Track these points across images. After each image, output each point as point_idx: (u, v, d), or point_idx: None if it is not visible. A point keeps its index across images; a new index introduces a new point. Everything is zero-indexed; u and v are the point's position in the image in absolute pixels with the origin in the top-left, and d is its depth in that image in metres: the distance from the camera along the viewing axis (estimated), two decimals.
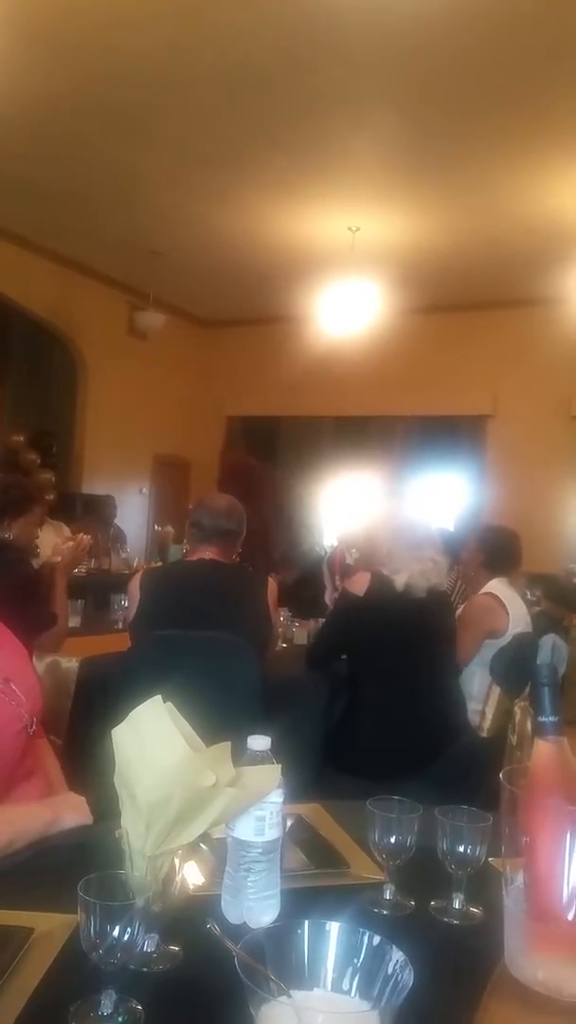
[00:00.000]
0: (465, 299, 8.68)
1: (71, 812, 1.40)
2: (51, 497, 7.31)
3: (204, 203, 6.87)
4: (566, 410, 8.60)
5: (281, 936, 0.85)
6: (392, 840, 1.21)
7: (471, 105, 5.13)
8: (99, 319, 8.92)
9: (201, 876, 1.21)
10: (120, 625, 3.84)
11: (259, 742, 1.14)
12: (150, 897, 0.97)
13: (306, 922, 0.85)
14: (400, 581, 2.81)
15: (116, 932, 0.88)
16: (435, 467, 9.27)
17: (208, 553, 2.91)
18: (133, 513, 9.11)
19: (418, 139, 5.59)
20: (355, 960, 0.83)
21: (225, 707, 1.93)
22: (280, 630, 3.63)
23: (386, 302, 7.74)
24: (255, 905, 1.10)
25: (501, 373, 8.82)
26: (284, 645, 3.72)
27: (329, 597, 3.50)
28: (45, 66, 4.98)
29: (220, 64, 4.83)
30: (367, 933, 0.84)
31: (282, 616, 3.80)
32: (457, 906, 1.19)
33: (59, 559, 3.25)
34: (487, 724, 3.16)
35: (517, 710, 3.19)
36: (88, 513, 7.31)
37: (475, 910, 1.18)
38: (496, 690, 3.19)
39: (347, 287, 7.41)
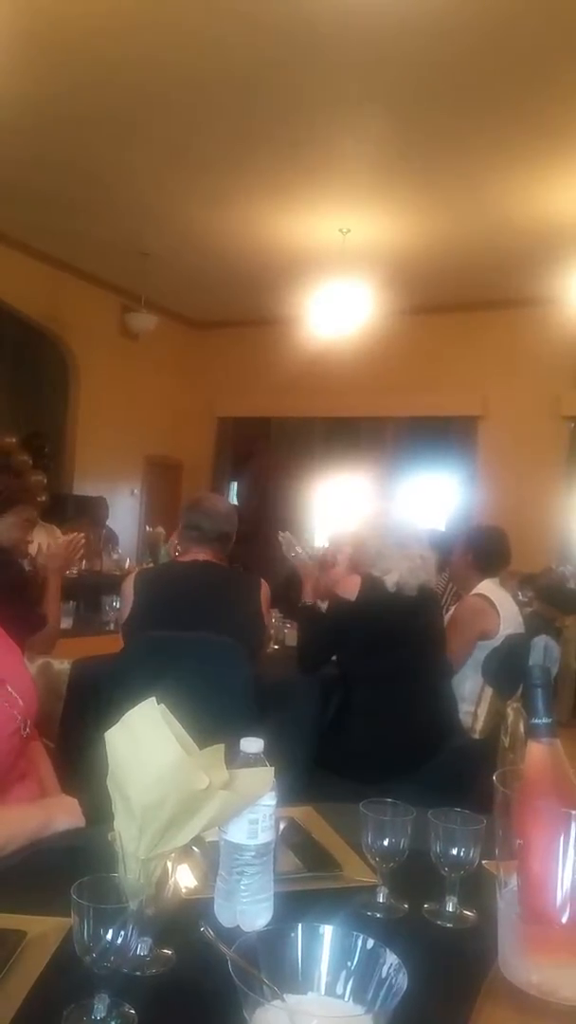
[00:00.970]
0: (455, 300, 8.70)
1: (64, 815, 1.39)
2: (43, 499, 7.30)
3: (195, 205, 6.87)
4: (556, 410, 8.62)
5: (275, 939, 0.85)
6: (385, 843, 1.21)
7: (460, 107, 5.14)
8: (90, 321, 8.90)
9: (194, 879, 1.21)
10: (112, 626, 3.83)
11: (252, 744, 1.14)
12: (143, 900, 0.97)
13: (300, 925, 0.85)
14: (391, 581, 2.81)
15: (109, 935, 0.88)
16: (426, 468, 9.28)
17: (202, 555, 2.91)
18: (124, 514, 9.09)
19: (408, 141, 5.60)
20: (349, 963, 0.83)
21: (218, 709, 1.93)
22: (272, 631, 3.63)
23: (376, 303, 7.75)
24: (248, 908, 1.09)
25: (491, 374, 8.84)
26: (276, 647, 3.71)
27: (307, 592, 3.45)
28: (36, 72, 4.97)
29: (210, 68, 4.82)
30: (361, 936, 0.84)
31: (274, 617, 3.80)
32: (450, 909, 1.19)
33: (49, 563, 3.24)
34: (479, 726, 3.16)
35: (509, 711, 3.20)
36: (80, 514, 7.29)
37: (468, 913, 1.18)
38: (488, 691, 3.19)
39: (337, 288, 7.42)
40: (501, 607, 3.38)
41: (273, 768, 1.11)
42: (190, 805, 0.97)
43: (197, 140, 5.78)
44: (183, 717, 1.04)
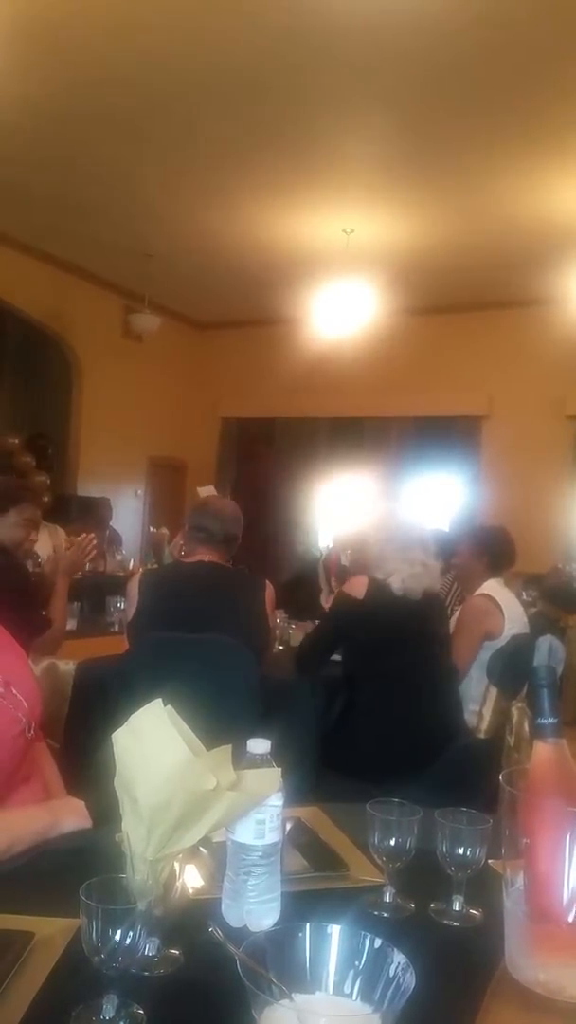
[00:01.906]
0: (460, 300, 8.69)
1: (70, 816, 1.40)
2: (47, 499, 7.30)
3: (199, 206, 6.87)
4: (561, 410, 8.61)
5: (283, 939, 0.85)
6: (392, 842, 1.21)
7: (464, 107, 5.14)
8: (94, 321, 8.91)
9: (201, 880, 1.21)
10: (116, 627, 3.84)
11: (259, 745, 1.14)
12: (151, 901, 0.97)
13: (307, 925, 0.85)
14: (395, 585, 2.82)
15: (118, 936, 0.88)
16: (430, 468, 9.27)
17: (208, 556, 2.92)
18: (128, 515, 9.10)
19: (412, 141, 5.59)
20: (357, 963, 0.83)
21: (223, 710, 1.93)
22: (277, 632, 3.63)
23: (381, 303, 7.75)
24: (256, 908, 1.10)
25: (496, 374, 8.83)
26: (281, 647, 3.72)
27: (325, 599, 3.50)
28: (40, 72, 4.98)
29: (214, 68, 4.83)
30: (368, 936, 0.84)
31: (279, 618, 3.80)
32: (457, 908, 1.19)
33: (60, 563, 3.23)
34: (484, 725, 3.16)
35: (514, 711, 3.19)
36: (84, 515, 7.30)
37: (475, 912, 1.18)
38: (493, 692, 3.19)
39: (342, 289, 7.41)
40: (506, 607, 3.38)
41: (280, 769, 1.12)
42: (198, 806, 0.97)
43: (201, 140, 5.79)
44: (189, 718, 1.04)
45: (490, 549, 3.62)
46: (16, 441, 8.10)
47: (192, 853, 1.07)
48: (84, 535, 3.44)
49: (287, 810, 1.16)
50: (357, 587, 2.88)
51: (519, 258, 7.39)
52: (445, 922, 1.18)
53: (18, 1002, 0.91)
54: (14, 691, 1.53)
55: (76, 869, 1.01)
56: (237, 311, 9.66)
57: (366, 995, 0.81)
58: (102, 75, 4.99)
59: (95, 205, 7.00)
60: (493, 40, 4.42)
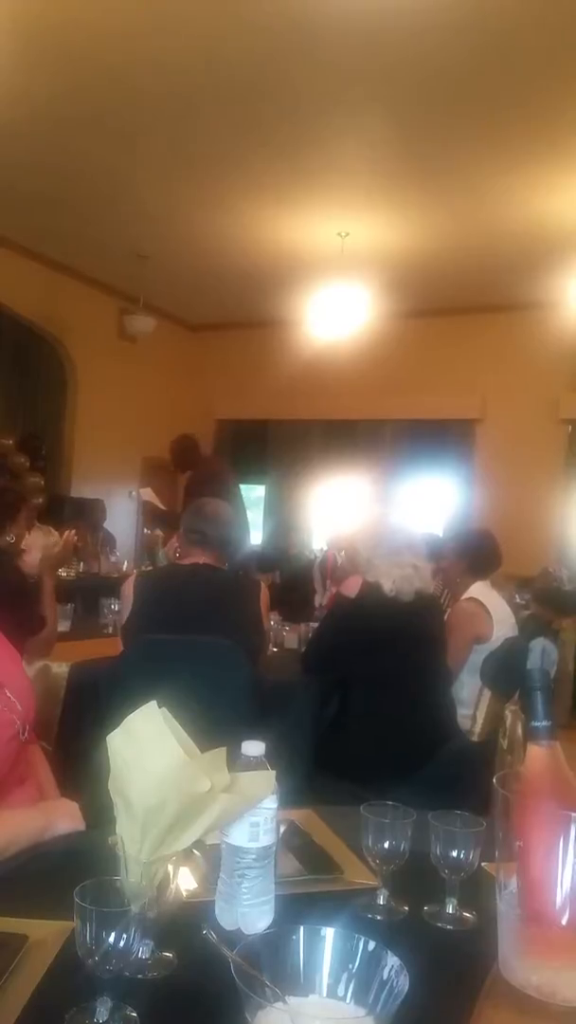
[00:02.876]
0: (453, 303, 8.71)
1: (64, 818, 1.40)
2: (40, 500, 7.30)
3: (194, 208, 6.87)
4: (554, 413, 8.63)
5: (277, 942, 0.85)
6: (386, 845, 1.21)
7: (459, 111, 5.15)
8: (89, 323, 8.90)
9: (195, 882, 1.21)
10: (110, 629, 3.83)
11: (253, 747, 1.14)
12: (145, 904, 0.97)
13: (301, 928, 0.86)
14: (386, 586, 2.82)
15: (112, 939, 0.88)
16: (424, 471, 9.29)
17: (203, 558, 2.92)
18: (122, 516, 9.09)
19: (407, 145, 5.60)
20: (350, 966, 0.83)
21: (217, 712, 1.93)
22: (271, 634, 3.63)
23: (375, 306, 7.76)
24: (249, 911, 1.10)
25: (489, 377, 8.84)
26: (275, 649, 3.72)
27: (319, 601, 3.51)
28: (35, 74, 4.97)
29: (208, 70, 4.83)
30: (362, 939, 0.84)
31: (272, 620, 3.80)
32: (451, 911, 1.20)
33: (42, 560, 3.23)
34: (478, 728, 3.17)
35: (508, 714, 3.20)
36: (77, 516, 7.29)
37: (468, 915, 1.19)
38: (487, 694, 3.20)
39: (336, 291, 7.42)
40: (493, 610, 3.38)
41: (274, 771, 1.12)
42: (192, 808, 0.97)
43: (196, 143, 5.79)
44: (184, 720, 1.04)
45: (471, 553, 3.63)
46: (10, 442, 8.09)
47: (186, 856, 1.07)
48: (66, 532, 3.44)
49: (281, 813, 1.16)
50: (352, 587, 2.89)
51: (513, 262, 7.41)
52: (439, 925, 1.18)
53: (12, 1005, 0.91)
54: (8, 693, 1.53)
55: (70, 871, 1.01)
56: (232, 313, 9.66)
57: (360, 998, 0.81)
58: (98, 78, 4.99)
59: (90, 207, 7.00)
60: (487, 45, 4.43)
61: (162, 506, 6.24)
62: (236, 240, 7.45)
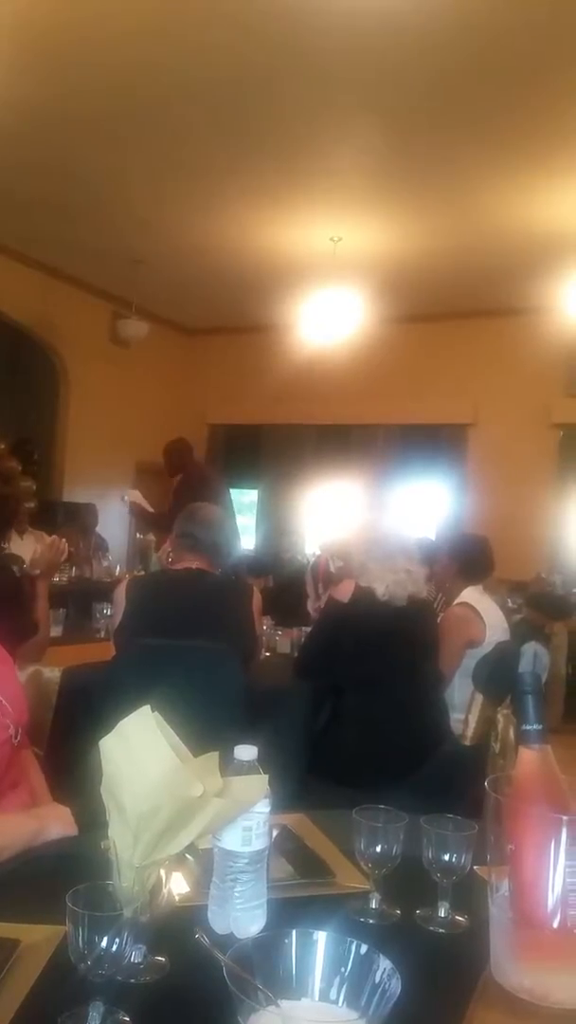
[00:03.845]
0: (446, 308, 8.73)
1: (56, 823, 1.40)
2: (32, 505, 7.28)
3: (186, 212, 6.88)
4: (546, 418, 8.65)
5: (269, 946, 0.85)
6: (378, 849, 1.22)
7: (452, 117, 5.17)
8: (81, 327, 8.89)
9: (187, 887, 1.21)
10: (103, 634, 3.83)
11: (246, 752, 1.14)
12: (138, 908, 0.97)
13: (293, 932, 0.86)
14: (379, 591, 2.83)
15: (104, 943, 0.88)
16: (416, 475, 9.30)
17: (195, 563, 2.92)
18: (115, 521, 9.07)
19: (400, 150, 5.62)
20: (343, 969, 0.84)
21: (210, 717, 1.93)
22: (263, 639, 3.63)
23: (367, 311, 7.77)
24: (242, 915, 1.10)
25: (482, 382, 8.86)
26: (267, 654, 3.72)
27: (312, 606, 3.50)
28: (30, 78, 4.97)
29: (202, 75, 4.84)
30: (354, 942, 0.84)
31: (265, 625, 3.80)
32: (443, 914, 1.20)
33: (38, 571, 3.24)
34: (470, 732, 3.17)
35: (500, 718, 3.20)
36: (69, 521, 7.28)
37: (461, 918, 1.19)
38: (479, 698, 3.20)
39: (329, 296, 7.43)
40: (486, 614, 3.39)
41: (267, 775, 1.12)
42: (184, 813, 0.97)
43: (190, 147, 5.79)
44: (176, 725, 1.04)
45: (464, 557, 3.63)
46: (2, 446, 8.07)
47: (178, 860, 1.07)
48: (53, 538, 3.44)
49: (273, 817, 1.16)
50: (344, 591, 2.89)
51: (505, 267, 7.43)
52: (431, 928, 1.19)
53: (4, 1009, 0.91)
54: (0, 698, 1.52)
55: (62, 876, 1.01)
56: (225, 318, 9.67)
57: (352, 1001, 0.82)
58: (92, 82, 4.99)
59: (83, 211, 7.00)
60: (480, 51, 4.45)
61: (150, 508, 6.24)
62: (229, 245, 7.46)
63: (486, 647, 3.31)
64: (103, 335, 9.17)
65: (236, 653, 2.65)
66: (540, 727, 1.02)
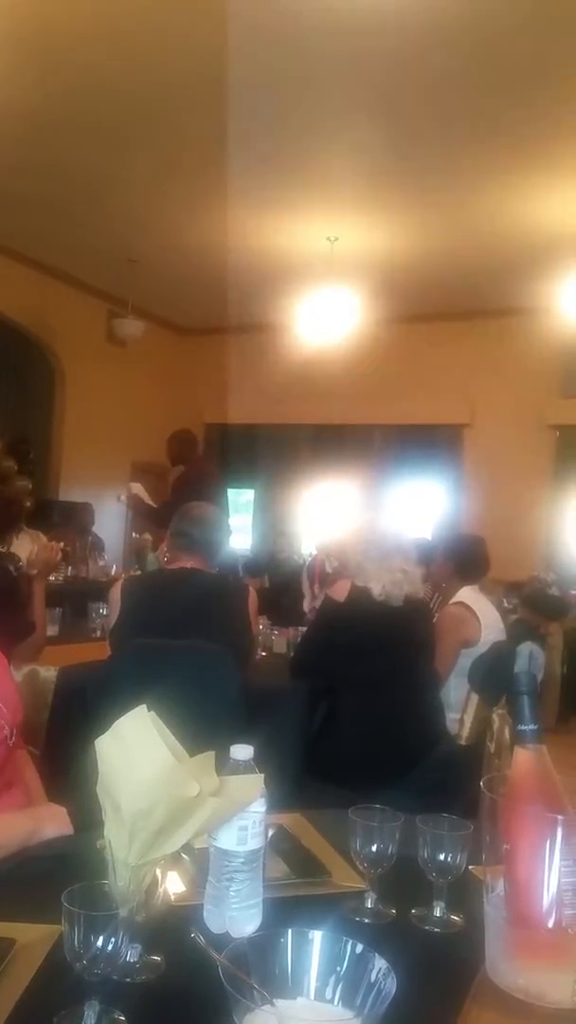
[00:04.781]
0: (442, 309, 8.74)
1: (52, 823, 1.40)
2: (28, 505, 7.27)
3: (183, 212, 6.88)
4: (542, 419, 8.67)
5: (264, 945, 0.86)
6: (373, 849, 1.22)
7: (448, 118, 5.17)
8: (78, 326, 8.89)
9: (183, 886, 1.21)
10: (99, 633, 3.82)
11: (242, 751, 1.14)
12: (133, 907, 0.97)
13: (289, 931, 0.86)
14: (375, 591, 2.83)
15: (100, 942, 0.88)
16: (412, 475, 9.31)
17: (191, 562, 2.92)
18: (111, 520, 9.06)
19: (396, 150, 5.63)
20: (338, 968, 0.84)
21: (206, 716, 1.93)
22: (260, 638, 3.63)
23: (364, 311, 7.78)
24: (238, 914, 1.10)
25: (478, 382, 8.88)
26: (264, 654, 3.72)
27: (307, 606, 3.51)
28: (25, 78, 4.97)
29: (199, 75, 4.84)
30: (350, 941, 0.84)
31: (261, 624, 3.80)
32: (438, 914, 1.20)
33: (35, 571, 3.24)
34: (465, 732, 3.17)
35: (495, 718, 3.20)
36: (65, 521, 7.28)
37: (456, 918, 1.19)
38: (474, 698, 3.20)
39: (325, 296, 7.44)
40: (482, 614, 3.39)
41: (263, 775, 1.12)
42: (180, 812, 0.97)
43: (186, 147, 5.80)
44: (172, 724, 1.04)
45: (460, 557, 3.64)
46: None
47: (174, 859, 1.07)
48: (51, 542, 3.45)
49: (269, 816, 1.16)
50: (340, 591, 2.89)
51: (502, 267, 7.44)
52: (426, 928, 1.19)
53: None
54: None
55: (58, 875, 1.01)
56: (221, 317, 9.66)
57: (347, 1000, 0.82)
58: (88, 82, 4.99)
59: (80, 210, 7.00)
60: (478, 51, 4.45)
61: (152, 503, 6.25)
62: (226, 244, 7.45)
63: (482, 647, 3.31)
64: (99, 334, 9.17)
65: (232, 653, 2.65)
66: (536, 727, 1.02)
